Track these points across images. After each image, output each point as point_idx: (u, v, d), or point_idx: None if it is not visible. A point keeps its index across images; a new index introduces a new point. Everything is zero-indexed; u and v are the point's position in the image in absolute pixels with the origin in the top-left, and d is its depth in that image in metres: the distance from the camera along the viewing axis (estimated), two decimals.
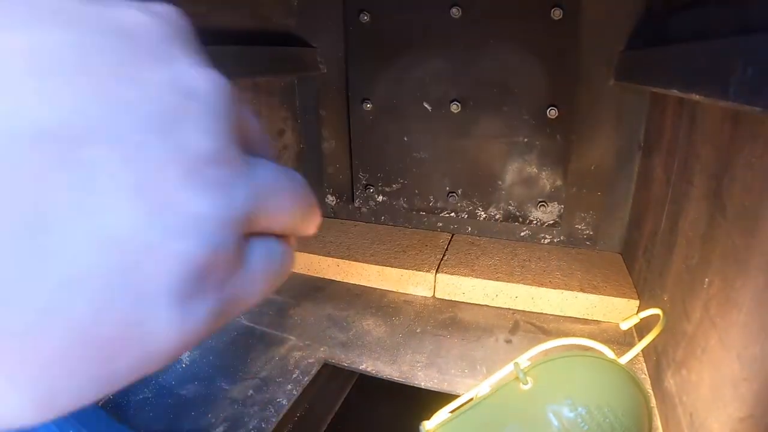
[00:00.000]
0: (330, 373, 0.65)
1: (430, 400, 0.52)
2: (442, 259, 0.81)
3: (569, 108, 0.78)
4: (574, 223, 0.85)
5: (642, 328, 0.63)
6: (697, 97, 0.38)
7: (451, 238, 0.90)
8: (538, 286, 0.73)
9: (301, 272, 0.85)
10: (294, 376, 0.60)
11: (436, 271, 0.77)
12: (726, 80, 0.32)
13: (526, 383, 0.41)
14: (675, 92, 0.43)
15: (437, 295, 0.78)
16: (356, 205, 0.96)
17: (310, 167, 0.98)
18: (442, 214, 0.91)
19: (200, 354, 0.63)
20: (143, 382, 0.58)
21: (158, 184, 0.12)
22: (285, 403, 0.56)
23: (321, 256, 0.83)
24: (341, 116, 0.92)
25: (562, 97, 0.77)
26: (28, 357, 0.10)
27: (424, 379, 0.60)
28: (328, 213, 1.01)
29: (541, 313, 0.74)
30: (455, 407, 0.45)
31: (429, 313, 0.74)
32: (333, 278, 0.83)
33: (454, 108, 0.82)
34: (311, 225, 0.18)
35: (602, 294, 0.70)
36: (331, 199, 0.99)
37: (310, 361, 0.62)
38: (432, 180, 0.89)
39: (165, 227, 0.12)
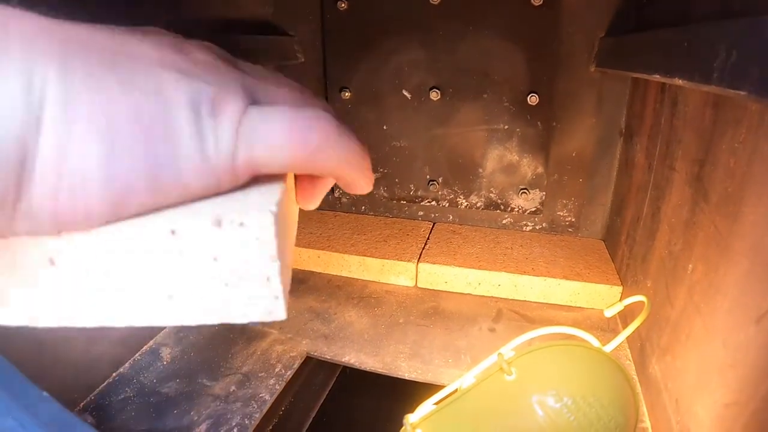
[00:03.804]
0: (313, 367, 0.65)
1: (415, 391, 0.51)
2: (423, 249, 0.81)
3: (550, 94, 0.77)
4: (556, 210, 0.85)
5: (626, 314, 0.64)
6: (680, 82, 0.38)
7: (433, 226, 0.90)
8: (521, 274, 0.73)
9: None
10: (276, 370, 0.59)
11: (418, 261, 0.77)
12: (709, 65, 0.31)
13: (510, 374, 0.40)
14: (657, 78, 0.43)
15: (419, 285, 0.78)
16: (336, 195, 0.95)
17: None
18: (423, 203, 0.91)
19: (181, 351, 0.62)
20: (124, 382, 0.57)
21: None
22: (268, 398, 0.55)
23: (301, 248, 0.82)
24: None
25: (542, 84, 0.77)
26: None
27: (408, 370, 0.59)
28: None
29: (525, 301, 0.74)
30: (439, 399, 0.45)
31: (411, 303, 0.73)
32: (314, 270, 0.82)
33: (434, 96, 0.81)
34: (310, 103, 0.24)
35: (585, 281, 0.70)
36: None
37: (292, 354, 0.62)
38: (412, 168, 0.88)
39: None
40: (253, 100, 0.20)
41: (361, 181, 0.24)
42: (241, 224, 0.18)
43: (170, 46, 0.19)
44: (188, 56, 0.20)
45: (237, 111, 0.19)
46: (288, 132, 0.20)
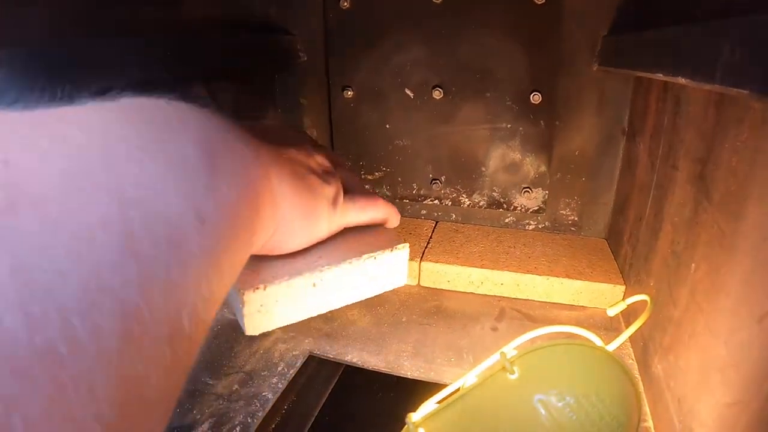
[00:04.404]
0: (315, 365, 0.64)
1: (417, 390, 0.51)
2: (426, 247, 0.81)
3: (552, 93, 0.77)
4: (558, 208, 0.85)
5: (628, 314, 0.64)
6: (683, 80, 0.37)
7: (435, 225, 0.90)
8: (524, 273, 0.73)
9: None
10: (279, 369, 0.59)
11: (421, 260, 0.77)
12: (713, 63, 0.31)
13: (512, 373, 0.40)
14: (660, 76, 0.43)
15: (422, 284, 0.78)
16: None
17: None
18: (426, 202, 0.91)
19: None
20: None
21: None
22: (270, 397, 0.55)
23: None
24: (322, 105, 0.90)
25: (545, 83, 0.77)
26: None
27: (411, 368, 0.59)
28: None
29: (527, 300, 0.73)
30: (442, 398, 0.45)
31: (414, 302, 0.73)
32: None
33: (437, 94, 0.81)
34: (360, 188, 0.44)
35: (588, 280, 0.70)
36: None
37: (294, 353, 0.62)
38: (415, 167, 0.88)
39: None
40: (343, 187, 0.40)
41: (393, 222, 0.46)
42: (403, 247, 0.42)
43: (307, 151, 0.37)
44: (316, 160, 0.38)
45: (341, 203, 0.39)
46: (362, 213, 0.42)
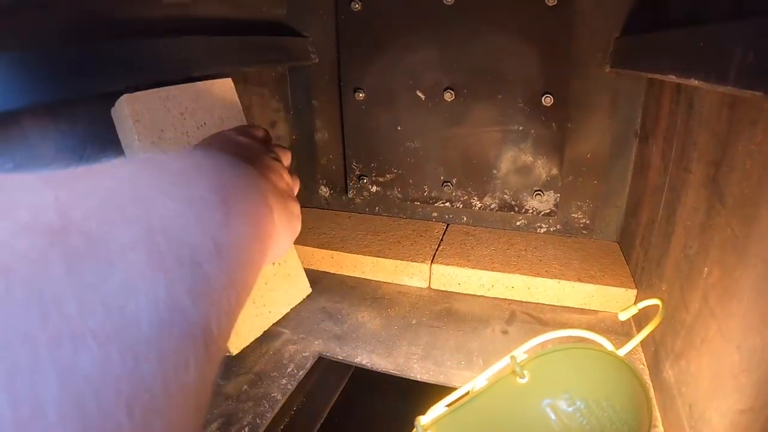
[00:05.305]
0: (325, 367, 0.65)
1: (427, 393, 0.51)
2: (437, 250, 0.81)
3: (564, 95, 0.77)
4: (570, 211, 0.85)
5: (640, 318, 0.63)
6: (696, 82, 0.37)
7: (447, 228, 0.90)
8: (535, 276, 0.72)
9: None
10: (288, 370, 0.59)
11: (432, 262, 0.77)
12: (726, 65, 0.31)
13: (522, 377, 0.40)
14: (673, 78, 0.42)
15: (433, 286, 0.78)
16: (350, 196, 0.95)
17: (303, 158, 0.97)
18: (437, 204, 0.90)
19: None
20: None
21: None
22: (280, 398, 0.55)
23: (315, 248, 0.82)
24: (334, 106, 0.91)
25: (557, 85, 0.76)
26: None
27: (420, 371, 0.59)
28: (321, 204, 1.00)
29: (538, 303, 0.73)
30: (451, 401, 0.44)
31: (424, 305, 0.73)
32: (327, 270, 0.82)
33: (448, 96, 0.81)
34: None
35: (599, 283, 0.70)
36: (324, 191, 0.98)
37: (304, 354, 0.62)
38: (426, 169, 0.88)
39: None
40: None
41: None
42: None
43: (280, 174, 0.43)
44: (286, 180, 0.44)
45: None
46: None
